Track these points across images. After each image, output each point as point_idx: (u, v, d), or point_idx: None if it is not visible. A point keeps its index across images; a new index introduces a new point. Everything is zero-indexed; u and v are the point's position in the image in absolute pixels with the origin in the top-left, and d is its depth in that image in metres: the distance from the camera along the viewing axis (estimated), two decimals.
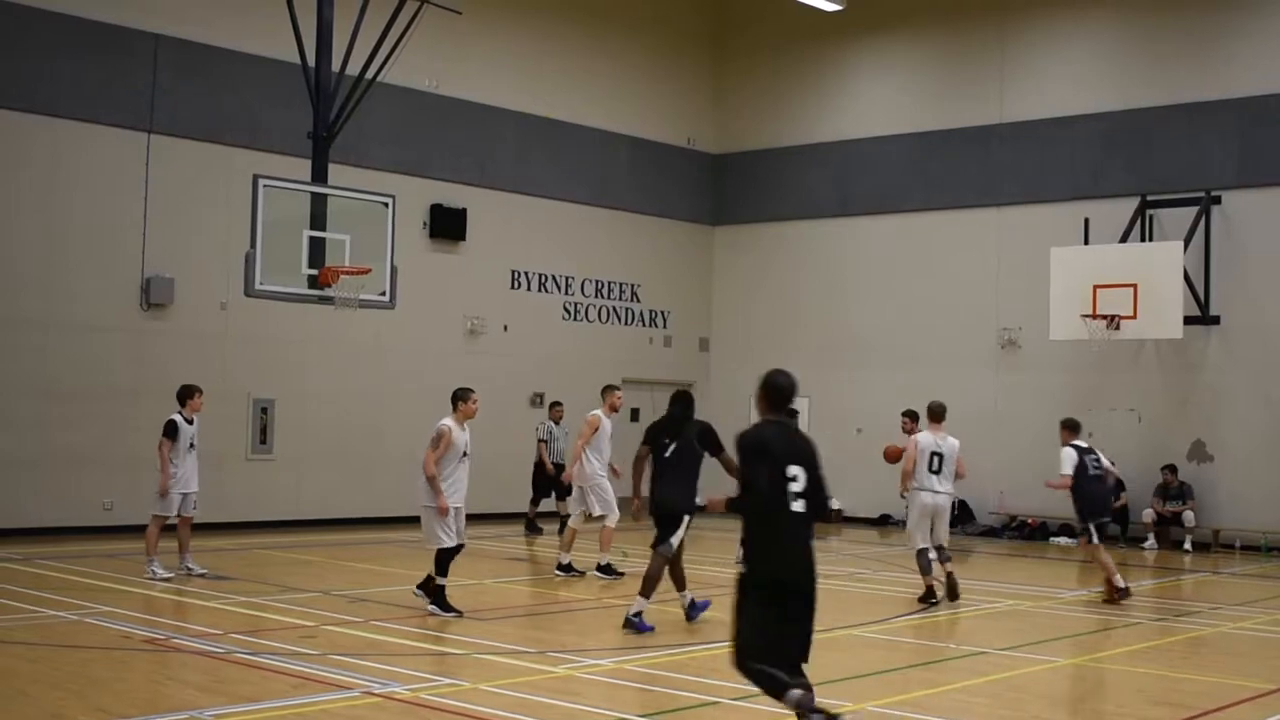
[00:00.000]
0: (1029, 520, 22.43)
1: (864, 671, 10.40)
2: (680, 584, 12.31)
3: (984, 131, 23.85)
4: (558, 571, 15.47)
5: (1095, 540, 14.64)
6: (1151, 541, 20.87)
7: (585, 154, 25.03)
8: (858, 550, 19.31)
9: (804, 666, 7.11)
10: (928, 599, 13.91)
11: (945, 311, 23.93)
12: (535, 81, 24.21)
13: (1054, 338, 21.12)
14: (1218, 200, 21.27)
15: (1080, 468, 14.63)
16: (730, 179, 27.09)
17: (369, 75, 16.64)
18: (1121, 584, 14.54)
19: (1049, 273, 21.04)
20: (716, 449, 11.71)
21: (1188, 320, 20.29)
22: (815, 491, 7.11)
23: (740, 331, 26.74)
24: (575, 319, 24.85)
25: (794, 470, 7.04)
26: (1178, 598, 16.37)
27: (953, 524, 22.91)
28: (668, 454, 11.93)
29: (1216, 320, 21.11)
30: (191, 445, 14.55)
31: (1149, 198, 21.67)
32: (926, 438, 14.35)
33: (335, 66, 16.53)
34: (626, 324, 25.77)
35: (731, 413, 25.49)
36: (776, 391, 7.40)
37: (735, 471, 7.43)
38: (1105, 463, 14.96)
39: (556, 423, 20.37)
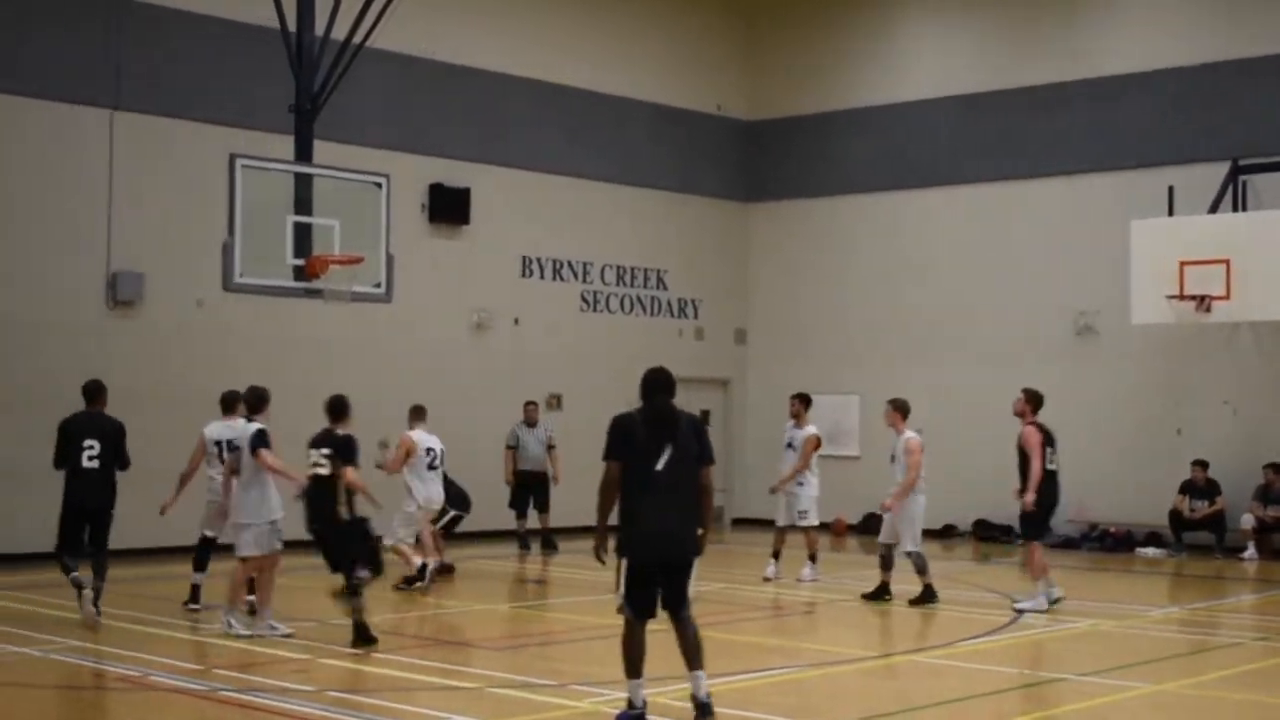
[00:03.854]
0: (1111, 529, 22.30)
1: (922, 703, 10.33)
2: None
3: (1052, 90, 23.67)
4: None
5: None
6: (1251, 551, 20.73)
7: (602, 125, 24.99)
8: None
9: None
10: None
11: (1012, 295, 23.80)
12: (544, 44, 24.16)
13: (1136, 322, 20.98)
14: None
15: None
16: (765, 150, 27.00)
17: (357, 40, 16.63)
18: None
19: (1129, 249, 20.92)
20: (710, 456, 9.16)
21: None
22: None
23: (782, 322, 26.66)
24: (595, 310, 24.84)
25: None
26: None
27: (1022, 534, 23.04)
28: (660, 466, 8.85)
29: None
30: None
31: (1241, 162, 21.51)
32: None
33: (319, 30, 16.51)
34: (653, 315, 25.73)
35: (773, 415, 25.49)
36: None
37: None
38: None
39: (530, 425, 20.98)
